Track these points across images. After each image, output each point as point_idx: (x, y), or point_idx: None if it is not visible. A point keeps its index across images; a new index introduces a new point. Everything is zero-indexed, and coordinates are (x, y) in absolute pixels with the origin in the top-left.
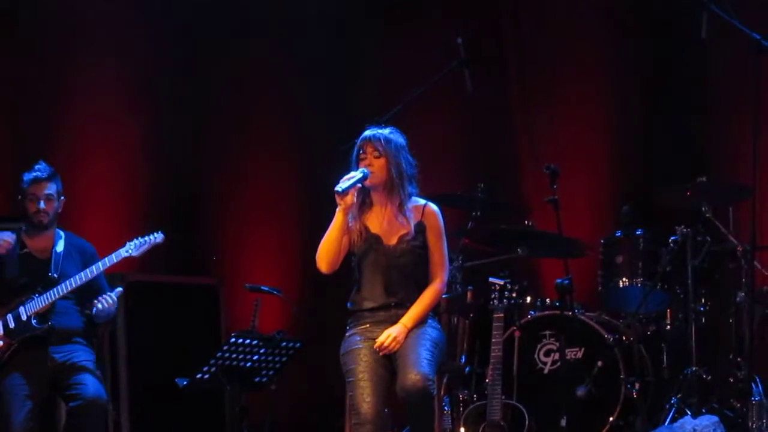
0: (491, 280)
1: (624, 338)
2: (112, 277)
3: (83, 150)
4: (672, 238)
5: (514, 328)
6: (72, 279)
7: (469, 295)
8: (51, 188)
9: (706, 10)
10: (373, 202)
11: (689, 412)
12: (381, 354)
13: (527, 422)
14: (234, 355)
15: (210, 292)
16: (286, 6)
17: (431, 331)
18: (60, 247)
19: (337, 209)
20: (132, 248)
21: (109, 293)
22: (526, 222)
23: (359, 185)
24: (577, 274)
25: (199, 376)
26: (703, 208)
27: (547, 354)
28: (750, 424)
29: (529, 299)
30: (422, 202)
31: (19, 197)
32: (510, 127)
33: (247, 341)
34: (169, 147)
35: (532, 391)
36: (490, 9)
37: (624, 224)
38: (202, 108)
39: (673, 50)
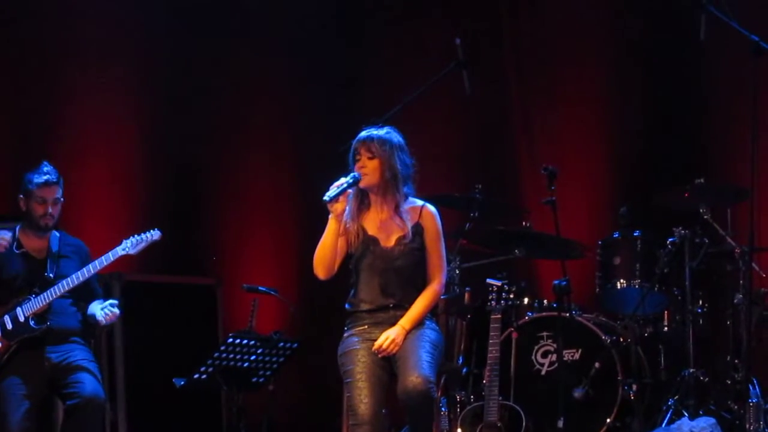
0: (489, 281)
1: (621, 340)
2: (110, 277)
3: (82, 150)
4: (670, 239)
5: (512, 329)
6: (69, 279)
7: (466, 296)
8: (59, 192)
9: (705, 12)
10: (371, 203)
11: (686, 414)
12: (379, 356)
13: (524, 423)
14: (231, 356)
15: (208, 293)
16: (285, 6)
17: (430, 332)
18: (56, 246)
19: (330, 216)
20: (129, 246)
21: (110, 306)
22: (523, 223)
23: (349, 190)
24: (575, 276)
25: (196, 376)
26: (701, 210)
27: (545, 355)
28: (747, 426)
29: (526, 300)
30: (420, 203)
31: (21, 196)
32: (508, 128)
33: (245, 341)
34: (168, 147)
35: (530, 392)
36: (489, 10)
37: (622, 226)
38: (202, 108)
39: (672, 52)
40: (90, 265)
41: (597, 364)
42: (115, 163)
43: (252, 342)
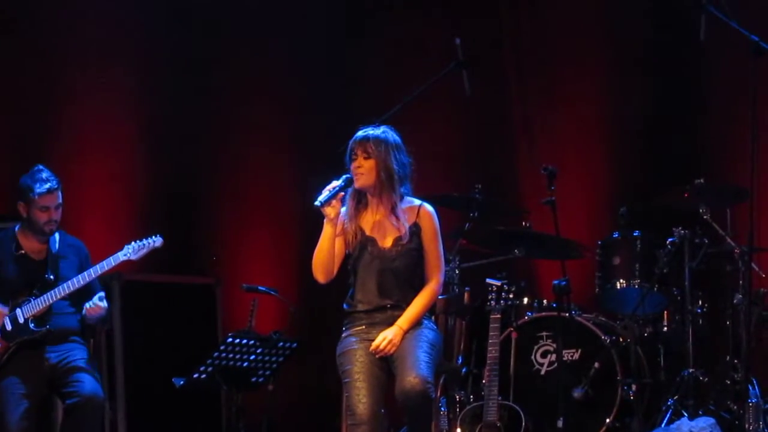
0: (488, 281)
1: (621, 340)
2: (109, 277)
3: (82, 149)
4: (669, 239)
5: (511, 329)
6: (69, 282)
7: (466, 296)
8: (59, 196)
9: (705, 12)
10: (368, 203)
11: (686, 414)
12: (377, 356)
13: (524, 423)
14: (231, 355)
15: (207, 292)
16: (285, 6)
17: (428, 332)
18: (55, 247)
19: (324, 221)
20: (131, 251)
21: (97, 299)
22: (523, 223)
23: (342, 193)
24: (575, 276)
25: (195, 375)
26: (701, 210)
27: (544, 355)
28: (746, 426)
29: (526, 300)
30: (417, 202)
31: (21, 202)
32: (508, 128)
33: (244, 341)
34: (168, 147)
35: (529, 392)
36: (489, 10)
37: (621, 226)
38: (201, 108)
39: (672, 52)
40: (91, 269)
41: (596, 364)
42: (115, 162)
43: (251, 342)
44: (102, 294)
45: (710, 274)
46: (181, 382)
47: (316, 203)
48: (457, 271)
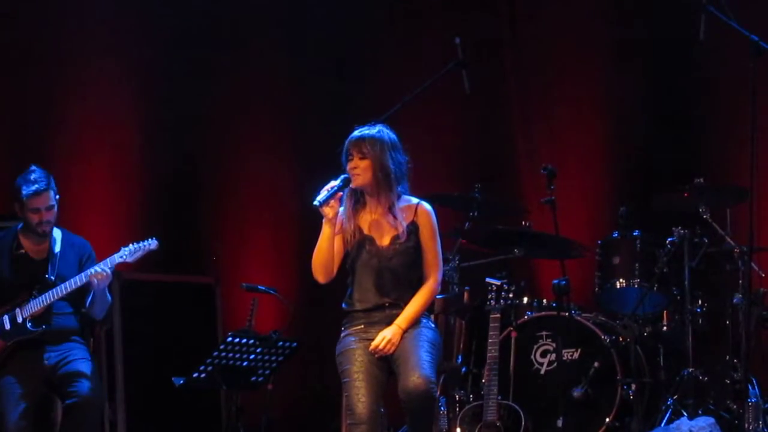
0: (488, 280)
1: (620, 339)
2: None
3: (82, 148)
4: (669, 239)
5: (511, 328)
6: (67, 282)
7: (465, 295)
8: (51, 198)
9: (705, 12)
10: (367, 203)
11: (685, 414)
12: (376, 356)
13: (523, 423)
14: (230, 355)
15: (207, 292)
16: (285, 6)
17: (427, 331)
18: (57, 247)
19: (323, 221)
20: (126, 254)
21: (98, 266)
22: (523, 222)
23: (340, 193)
24: (574, 275)
25: (195, 375)
26: (701, 210)
27: (544, 355)
28: (746, 425)
29: (525, 300)
30: (415, 201)
31: (16, 203)
32: (507, 127)
33: (244, 341)
34: (168, 146)
35: (529, 391)
36: (489, 9)
37: (621, 225)
38: (201, 108)
39: (671, 51)
40: (88, 270)
41: (596, 364)
42: (115, 161)
43: (251, 341)
44: (107, 261)
45: (710, 274)
46: (181, 382)
47: (315, 203)
48: (457, 271)
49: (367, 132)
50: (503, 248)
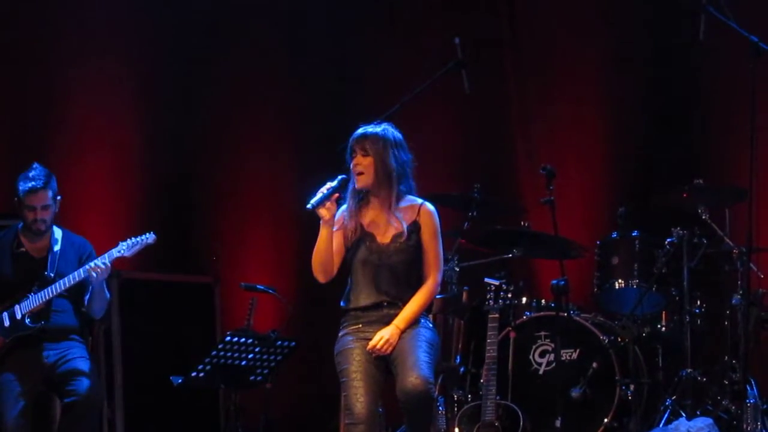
0: (487, 280)
1: (619, 340)
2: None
3: (81, 148)
4: (668, 240)
5: (510, 328)
6: (66, 278)
7: (464, 295)
8: (47, 196)
9: (704, 13)
10: (369, 200)
11: (684, 414)
12: (374, 356)
13: (522, 423)
14: (229, 354)
15: (205, 291)
16: (285, 6)
17: (425, 331)
18: (57, 246)
19: (321, 222)
20: (124, 248)
21: (95, 261)
22: (522, 223)
23: (336, 194)
24: (573, 276)
25: (194, 374)
26: (700, 210)
27: (542, 355)
28: (745, 426)
29: (524, 300)
30: (419, 201)
31: (16, 200)
32: (507, 127)
33: (242, 340)
34: (167, 145)
35: (527, 391)
36: (489, 9)
37: (620, 226)
38: (200, 107)
39: (671, 52)
40: (87, 265)
41: (595, 364)
42: (114, 160)
43: (250, 340)
44: (105, 255)
45: (709, 275)
46: (180, 381)
47: (308, 206)
48: (456, 269)
49: (371, 130)
50: (502, 248)
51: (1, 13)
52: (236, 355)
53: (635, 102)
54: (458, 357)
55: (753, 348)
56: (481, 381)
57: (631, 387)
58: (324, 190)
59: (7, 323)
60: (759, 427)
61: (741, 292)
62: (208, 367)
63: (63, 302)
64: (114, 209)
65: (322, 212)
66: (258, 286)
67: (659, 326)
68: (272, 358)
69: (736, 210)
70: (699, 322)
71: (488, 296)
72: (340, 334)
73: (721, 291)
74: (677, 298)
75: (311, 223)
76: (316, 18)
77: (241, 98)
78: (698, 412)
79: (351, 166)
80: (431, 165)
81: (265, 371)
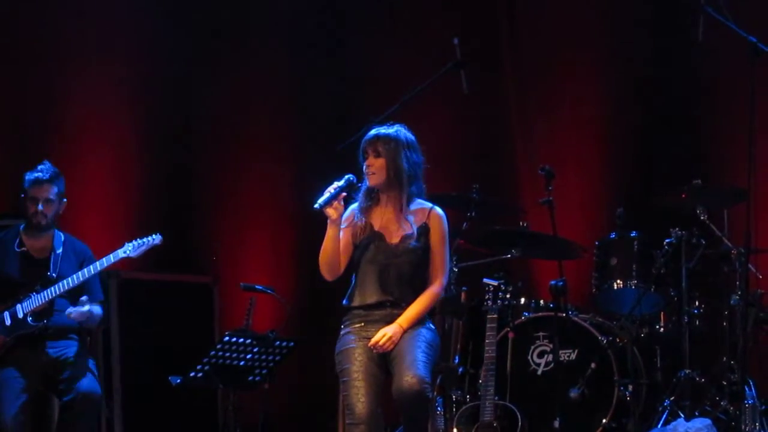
0: (485, 281)
1: (618, 340)
2: (106, 275)
3: (81, 148)
4: (667, 240)
5: (508, 329)
6: (70, 278)
7: (463, 295)
8: (51, 191)
9: (703, 13)
10: (380, 200)
11: (682, 415)
12: (374, 352)
13: (520, 423)
14: (227, 354)
15: (204, 291)
16: (285, 6)
17: (426, 332)
18: (59, 248)
19: (328, 222)
20: (130, 249)
21: (77, 308)
22: (520, 223)
23: (344, 194)
24: (572, 276)
25: (192, 374)
26: (698, 211)
27: (541, 355)
28: (743, 427)
29: (523, 300)
30: (429, 205)
31: (22, 195)
32: (506, 128)
33: (241, 340)
34: (166, 146)
35: (526, 392)
36: (488, 10)
37: (619, 226)
38: (200, 107)
39: (669, 53)
40: (91, 266)
41: (593, 365)
42: (113, 161)
43: (248, 340)
44: (85, 298)
45: (707, 275)
46: (178, 381)
47: (315, 206)
48: (455, 270)
49: (383, 131)
50: (501, 249)
51: (1, 15)
52: (235, 355)
53: (634, 103)
54: (457, 357)
55: (751, 349)
56: (480, 381)
57: (630, 387)
58: (331, 189)
59: (8, 322)
60: (757, 427)
61: (739, 292)
62: (206, 367)
63: (63, 302)
64: (113, 209)
65: (330, 212)
66: (257, 286)
67: (658, 327)
68: (271, 358)
69: (734, 211)
70: (697, 322)
71: (487, 296)
72: (341, 333)
73: (720, 292)
74: (676, 298)
75: (310, 224)
76: (315, 18)
77: (241, 98)
78: (696, 413)
79: (363, 167)
80: (430, 165)
81: (264, 371)
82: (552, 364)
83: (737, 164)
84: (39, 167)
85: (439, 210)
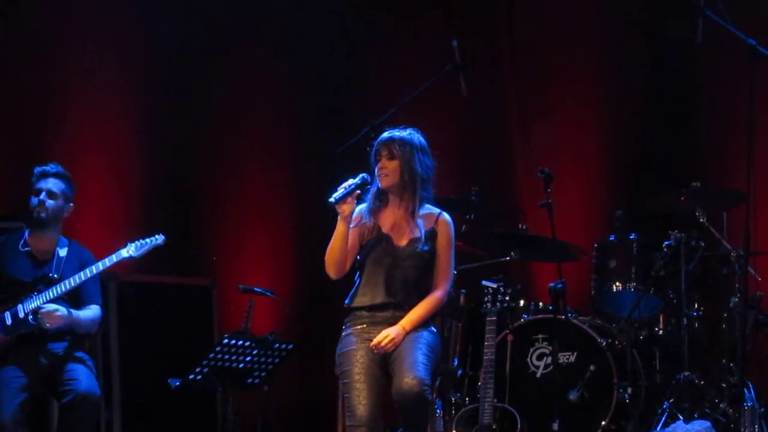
0: (484, 283)
1: (617, 343)
2: (105, 277)
3: (79, 149)
4: (666, 243)
5: (507, 331)
6: (72, 278)
7: (462, 298)
8: (54, 185)
9: (702, 15)
10: (389, 202)
11: (681, 417)
12: (376, 353)
13: (519, 426)
14: (226, 356)
15: (203, 293)
16: (284, 7)
17: (427, 335)
18: (63, 252)
19: (338, 218)
20: (133, 249)
21: (48, 309)
22: (519, 225)
23: (357, 191)
24: (571, 278)
25: (191, 376)
26: (697, 213)
27: (540, 358)
28: (742, 429)
29: (522, 303)
30: (437, 210)
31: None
32: (505, 130)
33: (240, 342)
34: (165, 147)
35: (525, 394)
36: (487, 12)
37: (618, 229)
38: (199, 110)
39: (669, 55)
40: (93, 266)
41: (592, 367)
42: (112, 162)
43: (247, 343)
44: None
45: (706, 278)
46: (177, 383)
47: (330, 200)
48: (454, 272)
49: (397, 134)
50: (500, 251)
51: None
52: (234, 357)
53: (633, 105)
54: (456, 360)
55: (750, 351)
56: (479, 384)
57: (629, 390)
58: (346, 185)
59: (9, 321)
60: (756, 430)
61: (738, 295)
62: (205, 370)
63: (62, 305)
64: (112, 212)
65: (343, 208)
66: (256, 289)
67: (657, 329)
68: (270, 360)
69: (733, 213)
70: (696, 325)
71: (486, 299)
72: (343, 334)
73: (719, 294)
74: (675, 301)
75: (309, 226)
76: (315, 21)
77: (241, 100)
78: (696, 415)
79: (376, 168)
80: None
81: (263, 374)
82: (551, 367)
83: (736, 166)
84: (49, 163)
85: (447, 216)
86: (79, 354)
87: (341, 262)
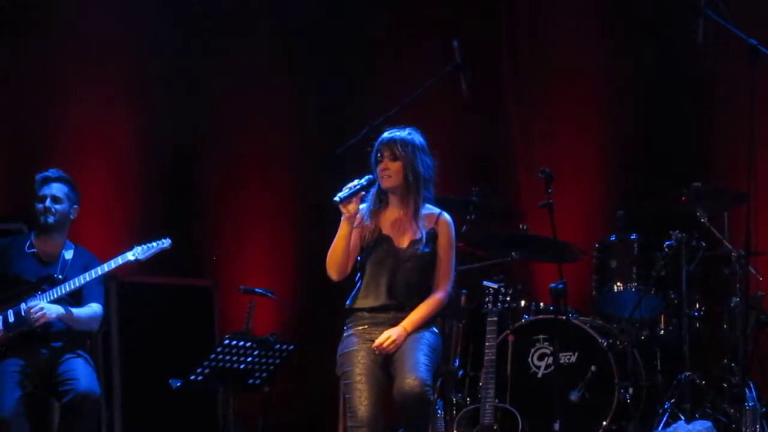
0: (485, 283)
1: (618, 343)
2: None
3: (79, 151)
4: (667, 243)
5: (508, 331)
6: (76, 279)
7: (463, 298)
8: (58, 189)
9: (702, 15)
10: (390, 203)
11: (682, 417)
12: (377, 353)
13: (520, 426)
14: (227, 357)
15: (204, 294)
16: (285, 8)
17: (429, 336)
18: (69, 254)
19: (342, 218)
20: (139, 252)
21: (38, 304)
22: (520, 226)
23: (363, 192)
24: (572, 279)
25: (192, 377)
26: (698, 213)
27: (541, 358)
28: (743, 429)
29: (523, 303)
30: (437, 211)
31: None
32: (505, 130)
33: (241, 343)
34: (166, 148)
35: (526, 395)
36: (488, 13)
37: (619, 229)
38: (200, 109)
39: (669, 55)
40: (98, 267)
41: (593, 367)
42: (113, 163)
43: (248, 344)
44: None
45: (707, 278)
46: (178, 384)
47: (335, 199)
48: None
49: (398, 134)
50: (501, 251)
51: (0, 15)
52: (235, 358)
53: (634, 105)
54: (457, 360)
55: (752, 351)
56: (480, 384)
57: (630, 390)
58: (351, 185)
59: (12, 319)
60: (758, 430)
61: (740, 295)
62: (206, 371)
63: (63, 305)
64: (113, 213)
65: (348, 208)
66: (256, 290)
67: (658, 329)
68: (271, 361)
69: (734, 213)
70: (698, 325)
71: (487, 299)
72: (344, 335)
73: (720, 294)
74: (676, 301)
75: (309, 227)
76: (315, 21)
77: (241, 101)
78: (697, 416)
79: (378, 169)
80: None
81: (264, 374)
82: (552, 367)
83: (737, 166)
84: (51, 168)
85: (447, 216)
86: (80, 353)
87: (343, 263)
